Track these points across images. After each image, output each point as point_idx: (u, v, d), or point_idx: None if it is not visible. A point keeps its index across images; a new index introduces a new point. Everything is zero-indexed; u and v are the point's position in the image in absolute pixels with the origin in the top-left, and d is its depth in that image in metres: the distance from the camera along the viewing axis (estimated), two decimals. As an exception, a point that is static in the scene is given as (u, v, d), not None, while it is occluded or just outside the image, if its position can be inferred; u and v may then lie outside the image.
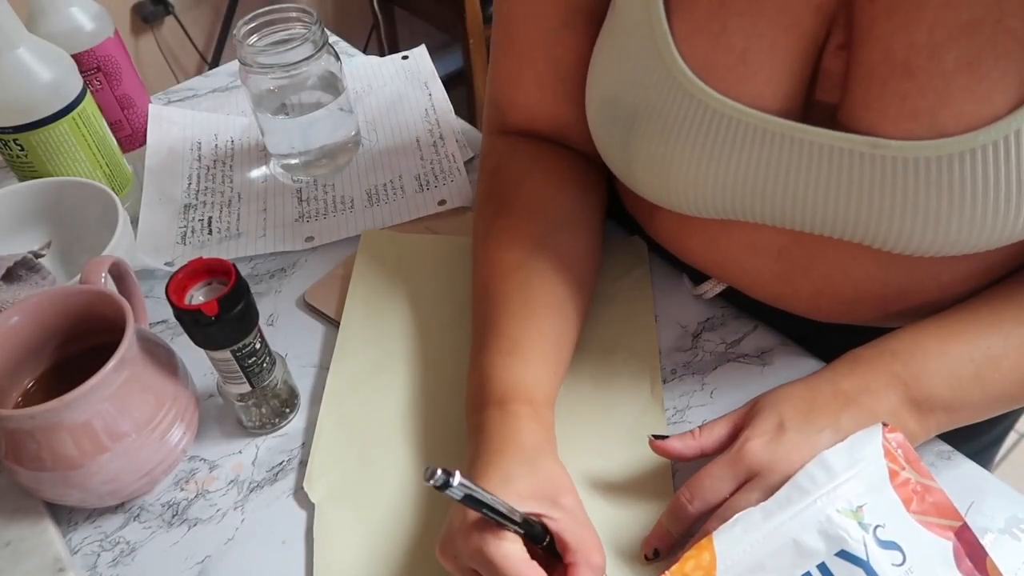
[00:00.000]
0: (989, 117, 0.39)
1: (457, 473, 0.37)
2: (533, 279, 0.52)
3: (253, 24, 0.68)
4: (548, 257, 0.53)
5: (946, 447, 0.51)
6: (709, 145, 0.45)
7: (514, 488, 0.42)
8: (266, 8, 0.68)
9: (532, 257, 0.53)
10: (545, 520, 0.42)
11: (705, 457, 0.46)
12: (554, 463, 0.45)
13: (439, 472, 0.36)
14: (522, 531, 0.40)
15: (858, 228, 0.44)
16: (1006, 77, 0.38)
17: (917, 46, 0.39)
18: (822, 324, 0.56)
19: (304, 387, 0.58)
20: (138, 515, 0.51)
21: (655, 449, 0.48)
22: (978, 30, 0.38)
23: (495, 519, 0.39)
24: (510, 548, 0.40)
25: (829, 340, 0.54)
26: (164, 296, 0.46)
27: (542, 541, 0.42)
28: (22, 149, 0.63)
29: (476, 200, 0.61)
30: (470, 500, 0.38)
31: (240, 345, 0.48)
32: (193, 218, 0.72)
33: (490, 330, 0.51)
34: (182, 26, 1.87)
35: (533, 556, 0.41)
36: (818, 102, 0.44)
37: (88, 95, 0.65)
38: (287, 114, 0.71)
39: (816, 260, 0.50)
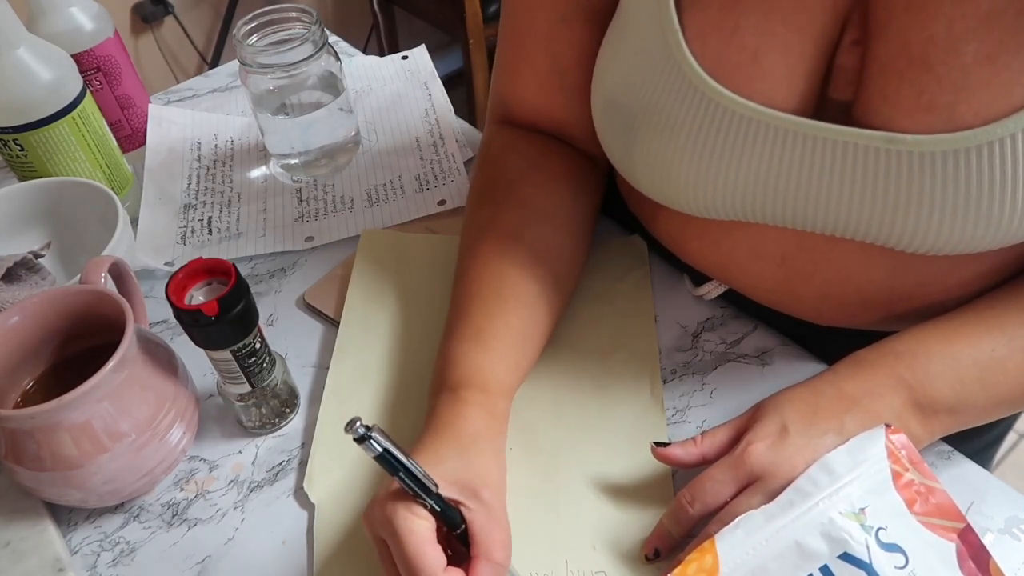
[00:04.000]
0: (1008, 109, 0.38)
1: (376, 428, 0.37)
2: (507, 270, 0.52)
3: (253, 24, 0.68)
4: (525, 249, 0.53)
5: (946, 447, 0.51)
6: (720, 143, 0.44)
7: (439, 471, 0.42)
8: (266, 8, 0.68)
9: (509, 248, 0.53)
10: (462, 509, 0.42)
11: (706, 464, 0.46)
12: (488, 454, 0.45)
13: (358, 424, 0.37)
14: (438, 508, 0.41)
15: (871, 226, 0.44)
16: None
17: (936, 40, 0.38)
18: (824, 326, 0.56)
19: (304, 387, 0.58)
20: (138, 515, 0.51)
21: (656, 456, 0.48)
22: (998, 22, 0.37)
23: (412, 488, 0.40)
24: (418, 524, 0.40)
25: (830, 340, 0.54)
26: (164, 296, 0.46)
27: (458, 528, 0.42)
28: (22, 149, 0.63)
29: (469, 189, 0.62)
30: (385, 461, 0.39)
31: (240, 345, 0.48)
32: (193, 218, 0.72)
33: (458, 317, 0.52)
34: (182, 26, 1.87)
35: (453, 546, 0.42)
36: (832, 100, 0.44)
37: (88, 95, 0.65)
38: (287, 114, 0.71)
39: (819, 266, 0.50)
